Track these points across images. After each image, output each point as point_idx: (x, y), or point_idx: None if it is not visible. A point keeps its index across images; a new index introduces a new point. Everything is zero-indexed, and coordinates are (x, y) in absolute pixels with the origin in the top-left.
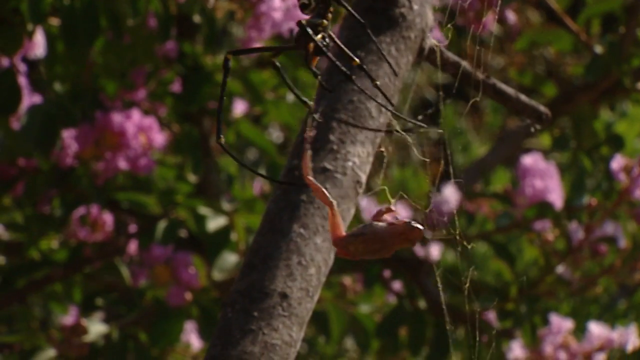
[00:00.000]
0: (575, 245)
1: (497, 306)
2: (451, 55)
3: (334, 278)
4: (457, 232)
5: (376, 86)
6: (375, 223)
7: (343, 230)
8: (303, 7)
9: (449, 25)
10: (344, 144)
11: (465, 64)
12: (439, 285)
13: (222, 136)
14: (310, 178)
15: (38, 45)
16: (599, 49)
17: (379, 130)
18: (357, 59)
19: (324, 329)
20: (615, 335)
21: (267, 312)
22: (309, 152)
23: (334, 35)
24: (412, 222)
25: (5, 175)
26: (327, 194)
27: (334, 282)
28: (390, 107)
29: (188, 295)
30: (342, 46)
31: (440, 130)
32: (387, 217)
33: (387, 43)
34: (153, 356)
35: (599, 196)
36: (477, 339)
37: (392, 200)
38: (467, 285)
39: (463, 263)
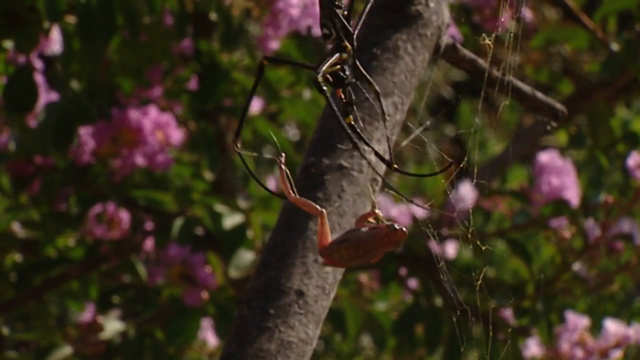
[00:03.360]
0: (592, 243)
1: (513, 304)
2: (467, 53)
3: (350, 276)
4: (470, 230)
5: (383, 119)
6: (358, 228)
7: (329, 240)
8: (325, 37)
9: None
10: (360, 141)
11: (481, 61)
12: (445, 278)
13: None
14: (293, 195)
15: (54, 43)
16: (615, 46)
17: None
18: (377, 87)
19: (341, 326)
20: (632, 332)
21: (284, 309)
22: (285, 172)
23: (356, 62)
24: (394, 224)
25: (22, 173)
26: (315, 205)
27: (350, 280)
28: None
29: (204, 295)
30: (365, 74)
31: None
32: (372, 220)
33: (403, 40)
34: (169, 354)
35: (615, 193)
36: (491, 335)
37: (376, 201)
38: (479, 282)
39: (479, 261)
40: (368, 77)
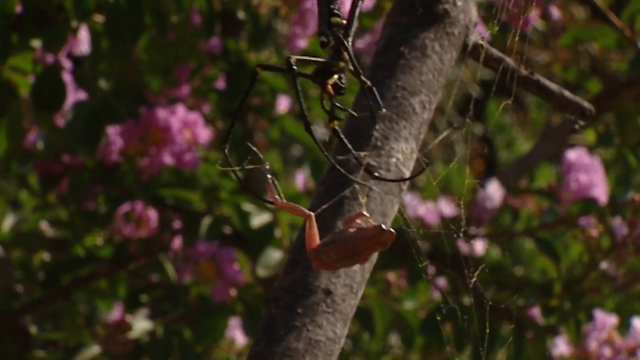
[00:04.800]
0: (619, 241)
1: (541, 302)
2: (495, 52)
3: (378, 274)
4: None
5: (374, 113)
6: (346, 229)
7: (317, 242)
8: (323, 45)
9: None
10: (388, 140)
11: (509, 60)
12: (469, 277)
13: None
14: (280, 201)
15: (83, 42)
16: None
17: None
18: (369, 82)
19: (368, 325)
20: None
21: (311, 308)
22: (271, 179)
23: (351, 63)
24: (381, 225)
25: (50, 172)
26: (301, 207)
27: (378, 279)
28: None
29: (232, 292)
30: (365, 79)
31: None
32: (360, 221)
33: (430, 39)
34: (197, 352)
35: None
36: (519, 334)
37: (363, 201)
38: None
39: (507, 259)
40: (365, 79)
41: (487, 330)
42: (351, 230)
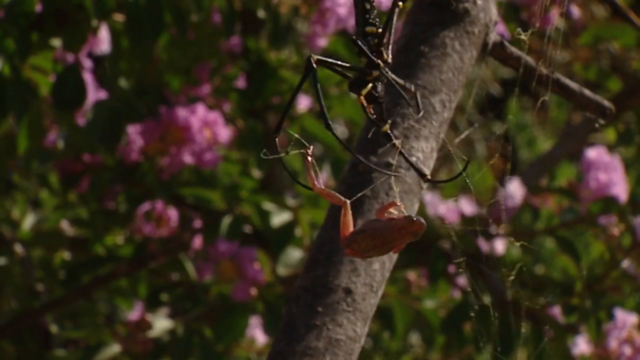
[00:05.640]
0: None
1: (562, 301)
2: (515, 50)
3: (399, 273)
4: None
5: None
6: (377, 219)
7: (351, 230)
8: (359, 54)
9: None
10: (408, 139)
11: (529, 58)
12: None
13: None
14: (318, 186)
15: (103, 42)
16: None
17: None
18: (412, 88)
19: (389, 324)
20: None
21: (332, 307)
22: (311, 163)
23: (388, 74)
24: (412, 215)
25: (71, 171)
26: (338, 195)
27: (399, 278)
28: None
29: (253, 291)
30: (397, 82)
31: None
32: (393, 211)
33: (450, 38)
34: (218, 351)
35: None
36: (539, 333)
37: (397, 190)
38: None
39: (527, 258)
40: (401, 82)
41: (510, 329)
42: (383, 220)
